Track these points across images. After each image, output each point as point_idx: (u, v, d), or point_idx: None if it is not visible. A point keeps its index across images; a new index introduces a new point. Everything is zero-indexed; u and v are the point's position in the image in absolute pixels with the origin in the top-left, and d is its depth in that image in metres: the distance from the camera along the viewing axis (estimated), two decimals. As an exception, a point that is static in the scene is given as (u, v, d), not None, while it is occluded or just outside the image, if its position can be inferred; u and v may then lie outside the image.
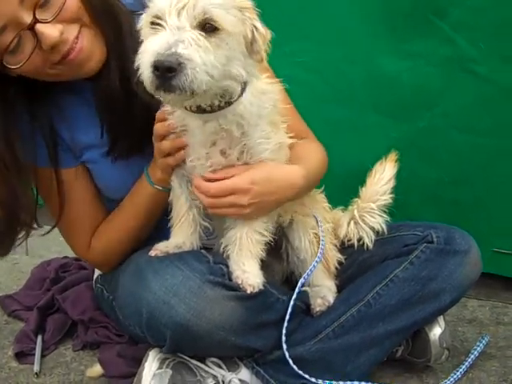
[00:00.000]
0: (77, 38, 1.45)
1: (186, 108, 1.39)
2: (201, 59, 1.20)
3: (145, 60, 1.21)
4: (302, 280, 1.61)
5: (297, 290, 1.60)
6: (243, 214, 1.47)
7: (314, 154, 1.71)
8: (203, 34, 1.23)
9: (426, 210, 2.34)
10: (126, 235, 1.70)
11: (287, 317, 1.57)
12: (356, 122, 2.42)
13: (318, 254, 1.65)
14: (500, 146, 2.22)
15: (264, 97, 1.46)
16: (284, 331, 1.56)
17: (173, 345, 1.50)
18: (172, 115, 1.48)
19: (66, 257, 2.35)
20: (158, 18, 1.24)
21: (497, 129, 2.22)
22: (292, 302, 1.58)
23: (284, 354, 1.57)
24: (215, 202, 1.46)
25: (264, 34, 1.32)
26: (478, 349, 1.87)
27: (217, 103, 1.37)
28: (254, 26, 1.31)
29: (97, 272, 1.93)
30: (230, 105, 1.39)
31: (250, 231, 1.50)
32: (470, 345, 1.94)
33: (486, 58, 2.17)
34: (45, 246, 2.78)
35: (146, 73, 1.21)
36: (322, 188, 1.82)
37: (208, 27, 1.24)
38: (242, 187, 1.44)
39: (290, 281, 1.78)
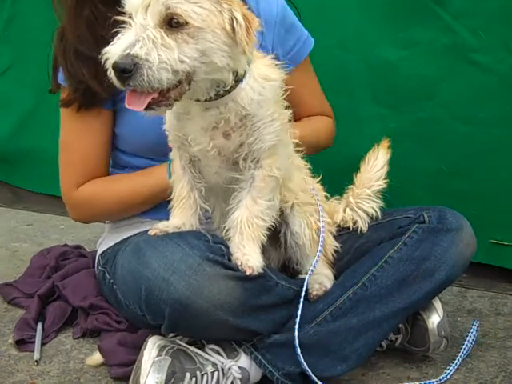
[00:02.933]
0: None
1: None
2: (158, 57, 1.25)
3: (107, 61, 1.28)
4: (307, 277, 1.63)
5: (304, 288, 1.61)
6: None
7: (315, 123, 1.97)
8: (168, 30, 1.27)
9: (425, 199, 2.33)
10: (116, 202, 1.81)
11: (299, 312, 1.58)
12: (354, 111, 2.41)
13: (319, 248, 1.66)
14: (501, 137, 2.22)
15: (267, 83, 1.47)
16: (297, 326, 1.57)
17: (171, 323, 1.51)
18: None
19: (65, 245, 2.34)
20: (130, 16, 1.29)
21: (498, 119, 2.21)
22: (302, 299, 1.59)
23: (280, 338, 1.59)
24: None
25: (243, 24, 1.32)
26: (471, 335, 1.87)
27: (213, 94, 1.40)
28: (234, 17, 1.32)
29: (98, 253, 1.94)
30: (228, 93, 1.41)
31: (251, 216, 1.51)
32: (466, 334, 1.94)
33: (487, 47, 2.16)
34: (44, 234, 2.80)
35: (111, 72, 1.28)
36: (320, 177, 1.81)
37: (174, 23, 1.28)
38: None
39: (286, 267, 1.78)
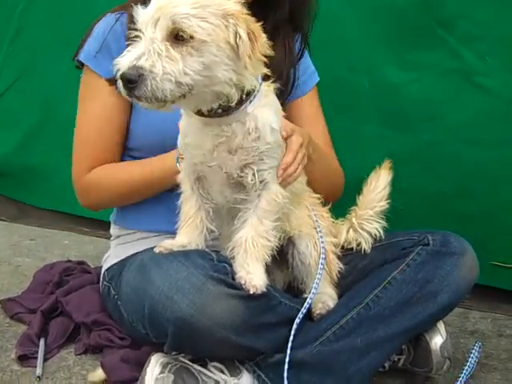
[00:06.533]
0: None
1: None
2: (162, 69, 1.29)
3: (116, 72, 1.33)
4: (310, 296, 1.63)
5: (305, 306, 1.61)
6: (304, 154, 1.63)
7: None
8: (175, 43, 1.31)
9: (427, 221, 2.34)
10: (125, 185, 1.82)
11: (292, 331, 1.58)
12: (357, 132, 2.43)
13: (320, 266, 1.66)
14: (504, 160, 2.23)
15: (278, 110, 1.50)
16: (289, 351, 1.57)
17: (174, 342, 1.52)
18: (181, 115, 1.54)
19: (69, 260, 2.35)
20: (141, 30, 1.34)
21: (501, 142, 2.23)
22: (301, 315, 1.59)
23: (284, 357, 1.58)
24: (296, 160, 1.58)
25: (246, 39, 1.33)
26: (473, 356, 1.86)
27: (215, 107, 1.42)
28: (238, 33, 1.34)
29: (103, 269, 1.94)
30: (226, 113, 1.44)
31: (256, 235, 1.52)
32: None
33: (492, 71, 2.19)
34: (47, 249, 2.80)
35: (119, 84, 1.32)
36: (329, 205, 1.82)
37: (180, 36, 1.32)
38: (303, 140, 1.61)
39: (291, 288, 1.78)
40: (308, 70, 2.01)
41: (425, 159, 2.36)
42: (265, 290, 1.50)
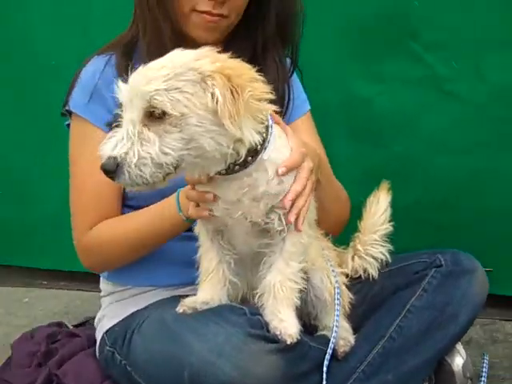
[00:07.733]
0: None
1: None
2: (137, 154, 1.23)
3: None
4: (333, 335, 1.57)
5: (330, 346, 1.56)
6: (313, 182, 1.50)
7: None
8: (152, 122, 1.24)
9: (406, 235, 2.29)
10: (126, 241, 1.67)
11: (324, 375, 1.52)
12: (328, 148, 2.38)
13: (336, 301, 1.61)
14: (478, 166, 2.27)
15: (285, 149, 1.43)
16: None
17: None
18: None
19: (49, 325, 2.12)
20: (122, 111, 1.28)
21: (474, 148, 2.26)
22: (326, 362, 1.53)
23: None
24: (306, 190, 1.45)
25: (221, 100, 1.23)
26: (485, 370, 1.87)
27: (224, 167, 1.35)
28: (214, 95, 1.25)
29: (101, 331, 1.78)
30: (248, 166, 1.37)
31: (284, 279, 1.46)
32: (477, 368, 1.93)
33: (460, 77, 2.22)
34: (8, 310, 2.54)
35: None
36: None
37: (156, 114, 1.25)
38: (302, 153, 1.45)
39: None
40: (301, 96, 1.94)
41: (398, 171, 2.34)
42: (299, 337, 1.44)
